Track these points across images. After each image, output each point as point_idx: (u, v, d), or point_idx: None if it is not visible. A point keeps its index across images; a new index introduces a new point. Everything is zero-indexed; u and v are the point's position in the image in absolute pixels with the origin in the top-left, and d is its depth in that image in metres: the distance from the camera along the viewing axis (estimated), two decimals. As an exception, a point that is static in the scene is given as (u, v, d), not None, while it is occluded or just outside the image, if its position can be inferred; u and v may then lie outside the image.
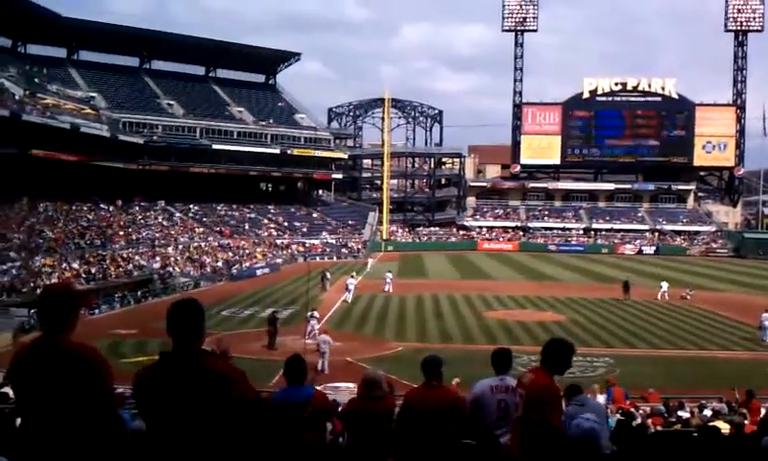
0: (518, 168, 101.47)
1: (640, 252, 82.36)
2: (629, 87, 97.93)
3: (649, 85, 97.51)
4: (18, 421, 4.16)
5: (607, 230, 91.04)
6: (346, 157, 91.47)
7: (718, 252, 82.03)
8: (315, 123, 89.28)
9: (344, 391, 15.44)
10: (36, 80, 60.11)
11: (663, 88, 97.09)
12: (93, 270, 42.33)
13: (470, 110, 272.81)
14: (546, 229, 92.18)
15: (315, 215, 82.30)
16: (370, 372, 5.81)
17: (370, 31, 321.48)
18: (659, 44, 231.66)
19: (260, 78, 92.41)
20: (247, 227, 70.94)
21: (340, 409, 6.40)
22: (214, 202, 72.72)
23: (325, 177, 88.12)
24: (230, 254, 59.55)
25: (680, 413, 13.77)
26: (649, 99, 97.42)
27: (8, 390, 9.27)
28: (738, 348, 28.67)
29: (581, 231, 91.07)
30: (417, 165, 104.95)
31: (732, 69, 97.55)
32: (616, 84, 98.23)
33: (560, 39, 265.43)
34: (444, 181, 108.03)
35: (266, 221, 74.94)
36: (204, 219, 68.44)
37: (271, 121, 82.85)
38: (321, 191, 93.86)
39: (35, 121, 50.27)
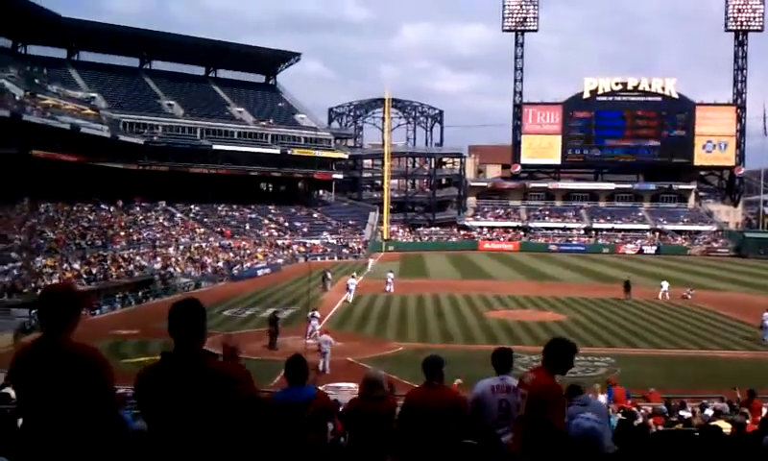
0: (519, 168, 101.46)
1: (641, 251, 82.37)
2: (629, 87, 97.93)
3: (649, 85, 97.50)
4: (20, 421, 4.17)
5: (607, 229, 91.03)
6: (346, 157, 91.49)
7: (719, 251, 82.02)
8: (315, 123, 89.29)
9: (345, 391, 15.42)
10: (37, 80, 60.15)
11: (664, 88, 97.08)
12: (94, 270, 42.35)
13: (471, 110, 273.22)
14: (547, 228, 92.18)
15: (315, 215, 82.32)
16: (371, 372, 5.80)
17: (370, 31, 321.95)
18: (659, 44, 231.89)
19: (260, 78, 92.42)
20: (247, 227, 70.96)
21: (341, 409, 6.39)
22: (215, 202, 72.75)
23: (326, 177, 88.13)
24: (231, 254, 59.56)
25: (681, 413, 13.76)
26: (649, 99, 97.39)
27: (9, 390, 9.27)
28: (739, 347, 28.65)
29: (582, 231, 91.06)
30: (417, 165, 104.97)
31: (733, 69, 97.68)
32: (617, 84, 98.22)
33: (560, 39, 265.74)
34: (444, 182, 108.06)
35: (267, 221, 74.96)
36: (205, 219, 68.47)
37: (271, 121, 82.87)
38: (321, 191, 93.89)
39: (35, 121, 50.31)
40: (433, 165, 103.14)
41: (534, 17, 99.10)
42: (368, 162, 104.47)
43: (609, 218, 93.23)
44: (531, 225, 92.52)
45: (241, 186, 76.29)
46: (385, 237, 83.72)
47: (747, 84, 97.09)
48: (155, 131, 70.72)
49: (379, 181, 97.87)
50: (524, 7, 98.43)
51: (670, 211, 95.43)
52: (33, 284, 35.07)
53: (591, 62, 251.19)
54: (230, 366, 3.45)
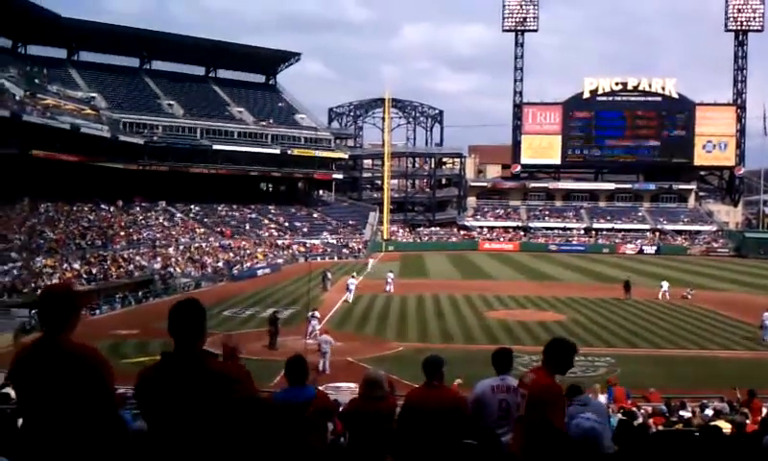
0: (519, 168, 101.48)
1: (641, 251, 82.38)
2: (629, 87, 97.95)
3: (649, 85, 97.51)
4: (20, 421, 4.17)
5: (608, 229, 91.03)
6: (346, 157, 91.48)
7: (719, 251, 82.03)
8: (315, 123, 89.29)
9: (345, 391, 15.42)
10: (37, 80, 60.15)
11: (664, 88, 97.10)
12: (94, 270, 42.35)
13: (471, 110, 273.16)
14: (547, 228, 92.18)
15: (315, 215, 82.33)
16: (371, 372, 5.80)
17: (370, 31, 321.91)
18: (659, 44, 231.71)
19: (260, 78, 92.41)
20: (247, 227, 70.97)
21: (341, 409, 6.39)
22: (215, 202, 72.75)
23: (326, 177, 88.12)
24: (231, 254, 59.56)
25: (681, 413, 13.76)
26: (649, 99, 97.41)
27: (9, 390, 9.27)
28: (739, 347, 28.65)
29: (582, 231, 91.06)
30: (417, 165, 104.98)
31: (733, 69, 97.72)
32: (617, 84, 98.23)
33: (560, 39, 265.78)
34: (444, 182, 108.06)
35: (267, 221, 74.97)
36: (205, 219, 68.48)
37: (271, 121, 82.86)
38: (321, 191, 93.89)
39: (35, 121, 50.31)
40: (433, 165, 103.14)
41: (534, 17, 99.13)
42: (368, 162, 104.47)
43: (609, 218, 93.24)
44: (531, 225, 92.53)
45: (241, 186, 76.29)
46: (385, 237, 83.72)
47: (747, 84, 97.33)
48: (155, 131, 70.72)
49: (379, 182, 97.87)
50: (524, 7, 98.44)
51: (670, 211, 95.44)
52: (33, 284, 35.08)
53: (591, 62, 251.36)
54: (230, 366, 3.45)
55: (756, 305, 34.49)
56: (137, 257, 48.61)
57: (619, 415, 11.57)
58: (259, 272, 56.11)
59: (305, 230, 75.84)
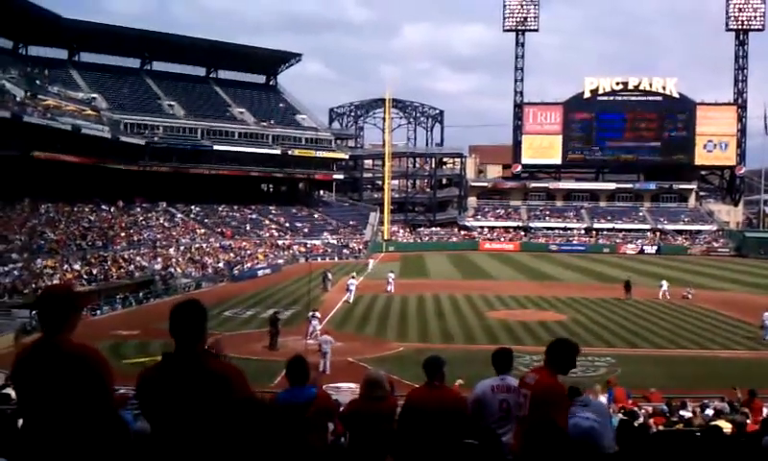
0: (519, 168, 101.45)
1: (642, 251, 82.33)
2: (630, 87, 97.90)
3: (650, 85, 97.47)
4: (20, 422, 4.17)
5: (608, 229, 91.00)
6: (347, 157, 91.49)
7: (720, 251, 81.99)
8: (316, 123, 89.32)
9: (345, 391, 15.41)
10: (38, 81, 60.17)
11: (664, 88, 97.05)
12: (95, 271, 42.37)
13: (471, 111, 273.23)
14: (548, 228, 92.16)
15: (316, 216, 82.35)
16: (371, 372, 5.81)
17: (370, 31, 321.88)
18: (659, 44, 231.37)
19: (261, 79, 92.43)
20: (248, 227, 70.99)
21: (341, 410, 6.39)
22: (215, 203, 72.78)
23: (327, 177, 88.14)
24: (232, 254, 59.58)
25: (682, 413, 13.76)
26: (650, 98, 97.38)
27: (9, 391, 9.28)
28: (740, 347, 28.63)
29: (582, 231, 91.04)
30: (418, 165, 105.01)
31: (733, 68, 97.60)
32: (617, 84, 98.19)
33: (560, 39, 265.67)
34: (445, 182, 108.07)
35: (267, 222, 75.00)
36: (206, 220, 68.50)
37: (272, 122, 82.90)
38: (322, 192, 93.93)
39: (36, 122, 50.35)
40: (433, 165, 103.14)
41: (534, 17, 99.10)
42: (368, 163, 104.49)
43: (609, 218, 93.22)
44: (531, 225, 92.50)
45: (242, 187, 76.32)
46: (385, 237, 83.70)
47: (748, 83, 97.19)
48: (155, 131, 70.75)
49: (380, 182, 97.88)
50: (525, 6, 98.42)
51: (671, 211, 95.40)
52: (33, 285, 35.08)
53: (592, 62, 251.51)
54: (231, 367, 3.46)
55: (757, 305, 34.48)
56: (138, 258, 48.63)
57: (620, 415, 11.57)
58: (260, 272, 56.13)
59: (306, 230, 75.86)
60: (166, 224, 62.32)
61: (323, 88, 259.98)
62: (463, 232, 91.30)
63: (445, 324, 33.20)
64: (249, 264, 58.56)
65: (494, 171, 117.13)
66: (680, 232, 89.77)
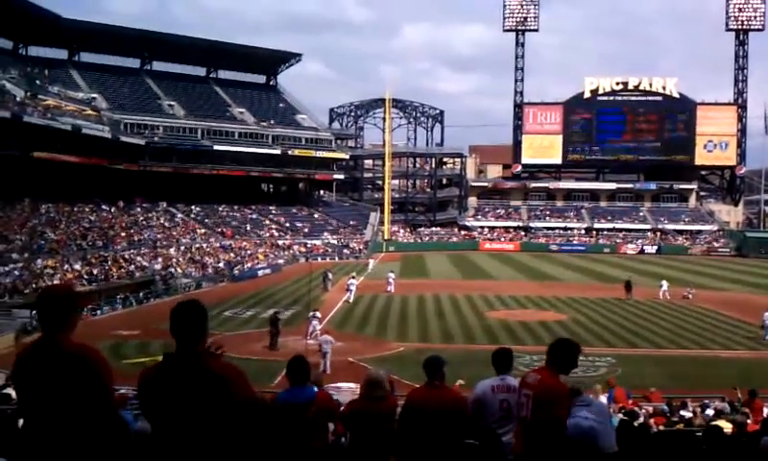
0: (520, 168, 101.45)
1: (642, 251, 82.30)
2: (630, 87, 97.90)
3: (650, 85, 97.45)
4: (20, 422, 4.17)
5: (608, 229, 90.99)
6: (347, 157, 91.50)
7: (720, 251, 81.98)
8: (316, 123, 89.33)
9: (345, 391, 15.40)
10: (38, 81, 60.19)
11: (664, 88, 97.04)
12: (95, 271, 42.38)
13: (471, 111, 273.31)
14: (548, 228, 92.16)
15: (316, 216, 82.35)
16: (372, 372, 5.80)
17: (370, 31, 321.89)
18: (659, 44, 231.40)
19: (261, 79, 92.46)
20: (248, 227, 71.00)
21: (341, 410, 6.39)
22: (216, 203, 72.79)
23: (327, 177, 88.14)
24: (232, 254, 59.58)
25: (682, 413, 13.75)
26: (650, 98, 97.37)
27: (10, 391, 9.28)
28: (740, 347, 28.61)
29: (582, 231, 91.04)
30: (418, 165, 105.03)
31: (734, 68, 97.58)
32: (617, 84, 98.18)
33: (560, 39, 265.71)
34: (445, 182, 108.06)
35: (267, 222, 75.02)
36: (206, 220, 68.50)
37: (272, 122, 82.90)
38: (322, 192, 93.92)
39: (36, 123, 50.36)
40: (434, 165, 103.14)
41: (534, 17, 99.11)
42: (368, 163, 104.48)
43: (610, 218, 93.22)
44: (532, 225, 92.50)
45: (242, 187, 76.33)
46: (386, 237, 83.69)
47: (748, 83, 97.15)
48: (155, 131, 70.77)
49: (380, 182, 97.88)
50: (525, 6, 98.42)
51: (671, 211, 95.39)
52: (34, 285, 35.08)
53: (592, 62, 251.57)
54: (232, 367, 3.46)
55: (757, 305, 34.47)
56: (138, 258, 48.63)
57: (620, 415, 11.57)
58: (260, 272, 56.12)
59: (306, 230, 75.87)
60: (166, 224, 62.32)
61: (323, 88, 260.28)
62: (463, 232, 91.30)
63: (446, 324, 33.19)
64: (249, 264, 58.57)
65: (495, 171, 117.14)
66: (680, 232, 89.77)
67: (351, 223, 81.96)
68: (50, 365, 3.29)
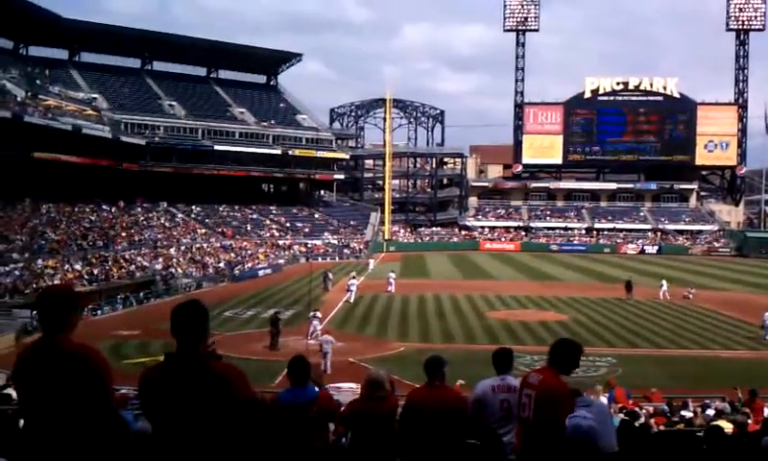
0: (520, 168, 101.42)
1: (643, 251, 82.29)
2: (630, 87, 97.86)
3: (651, 85, 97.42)
4: (21, 422, 4.17)
5: (609, 229, 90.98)
6: (347, 157, 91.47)
7: (720, 251, 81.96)
8: (316, 123, 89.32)
9: (346, 391, 15.40)
10: (38, 81, 60.20)
11: (665, 88, 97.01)
12: (96, 271, 42.38)
13: (472, 111, 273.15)
14: (548, 228, 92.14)
15: (317, 216, 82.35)
16: (373, 372, 5.80)
17: (371, 31, 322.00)
18: (660, 44, 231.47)
19: (262, 79, 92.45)
20: (249, 227, 71.00)
21: (342, 410, 6.39)
22: (216, 203, 72.79)
23: (327, 177, 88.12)
24: (233, 254, 59.59)
25: (683, 413, 13.75)
26: (651, 98, 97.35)
27: (10, 391, 9.29)
28: (741, 347, 28.61)
29: (583, 231, 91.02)
30: (418, 165, 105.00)
31: (734, 68, 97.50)
32: (618, 84, 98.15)
33: (561, 39, 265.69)
34: (445, 182, 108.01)
35: (268, 222, 75.01)
36: (207, 220, 68.51)
37: (272, 122, 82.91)
38: (322, 192, 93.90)
39: (36, 123, 50.36)
40: (434, 165, 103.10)
41: (535, 17, 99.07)
42: (369, 163, 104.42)
43: (610, 218, 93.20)
44: (532, 225, 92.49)
45: (242, 187, 76.34)
46: (386, 237, 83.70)
47: (748, 83, 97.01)
48: (156, 131, 70.79)
49: (380, 182, 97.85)
50: (525, 6, 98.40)
51: (672, 211, 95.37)
52: (34, 285, 35.08)
53: (592, 62, 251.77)
54: (233, 367, 3.46)
55: (758, 305, 34.47)
56: (139, 258, 48.64)
57: (621, 415, 11.56)
58: (260, 272, 56.13)
59: (307, 230, 75.87)
60: (167, 224, 62.33)
61: (323, 88, 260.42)
62: (463, 232, 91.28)
63: (446, 324, 33.19)
64: (249, 264, 58.57)
65: (495, 171, 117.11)
66: (681, 232, 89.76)
67: (352, 223, 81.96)
68: (50, 365, 3.29)
